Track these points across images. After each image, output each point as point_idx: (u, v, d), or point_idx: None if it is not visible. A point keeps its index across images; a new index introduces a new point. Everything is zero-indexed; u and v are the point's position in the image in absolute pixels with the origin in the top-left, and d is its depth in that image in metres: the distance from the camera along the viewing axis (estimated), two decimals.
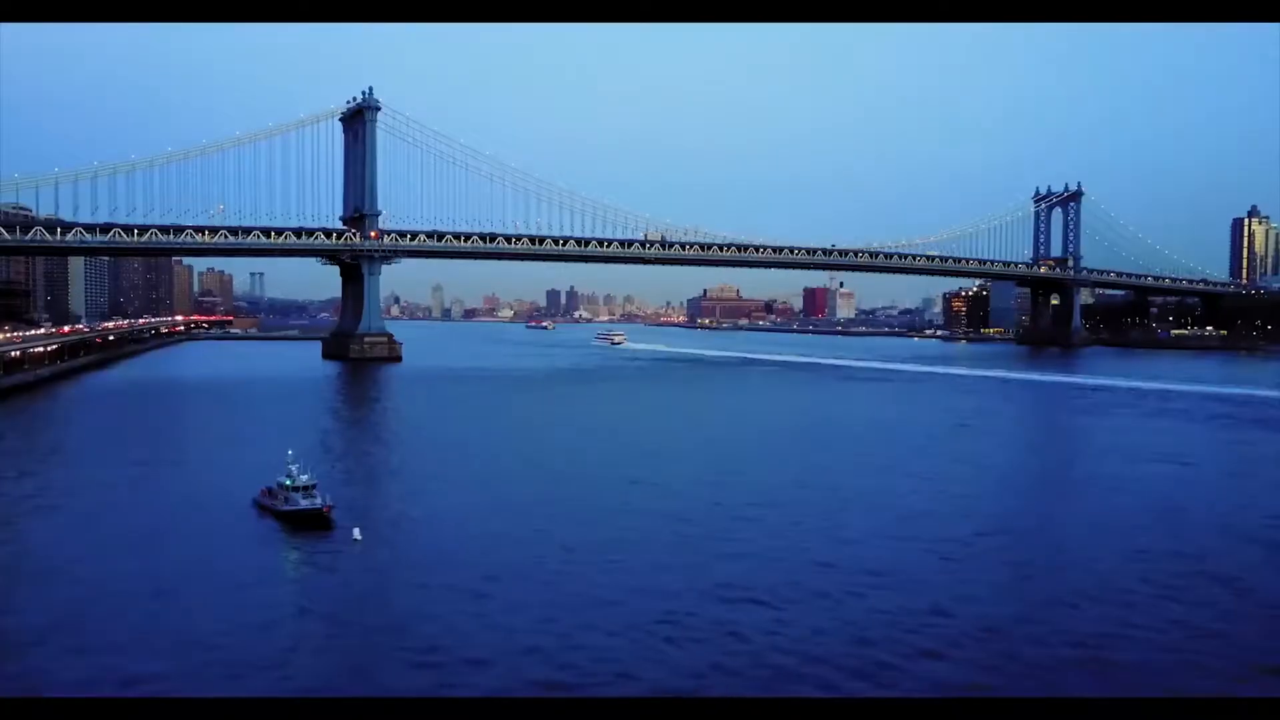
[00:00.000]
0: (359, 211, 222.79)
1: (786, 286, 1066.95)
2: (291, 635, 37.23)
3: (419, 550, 50.88)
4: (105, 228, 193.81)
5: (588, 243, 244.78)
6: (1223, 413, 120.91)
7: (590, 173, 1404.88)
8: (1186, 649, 35.53)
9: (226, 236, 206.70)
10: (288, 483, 56.04)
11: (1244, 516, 59.54)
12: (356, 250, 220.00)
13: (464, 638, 36.51)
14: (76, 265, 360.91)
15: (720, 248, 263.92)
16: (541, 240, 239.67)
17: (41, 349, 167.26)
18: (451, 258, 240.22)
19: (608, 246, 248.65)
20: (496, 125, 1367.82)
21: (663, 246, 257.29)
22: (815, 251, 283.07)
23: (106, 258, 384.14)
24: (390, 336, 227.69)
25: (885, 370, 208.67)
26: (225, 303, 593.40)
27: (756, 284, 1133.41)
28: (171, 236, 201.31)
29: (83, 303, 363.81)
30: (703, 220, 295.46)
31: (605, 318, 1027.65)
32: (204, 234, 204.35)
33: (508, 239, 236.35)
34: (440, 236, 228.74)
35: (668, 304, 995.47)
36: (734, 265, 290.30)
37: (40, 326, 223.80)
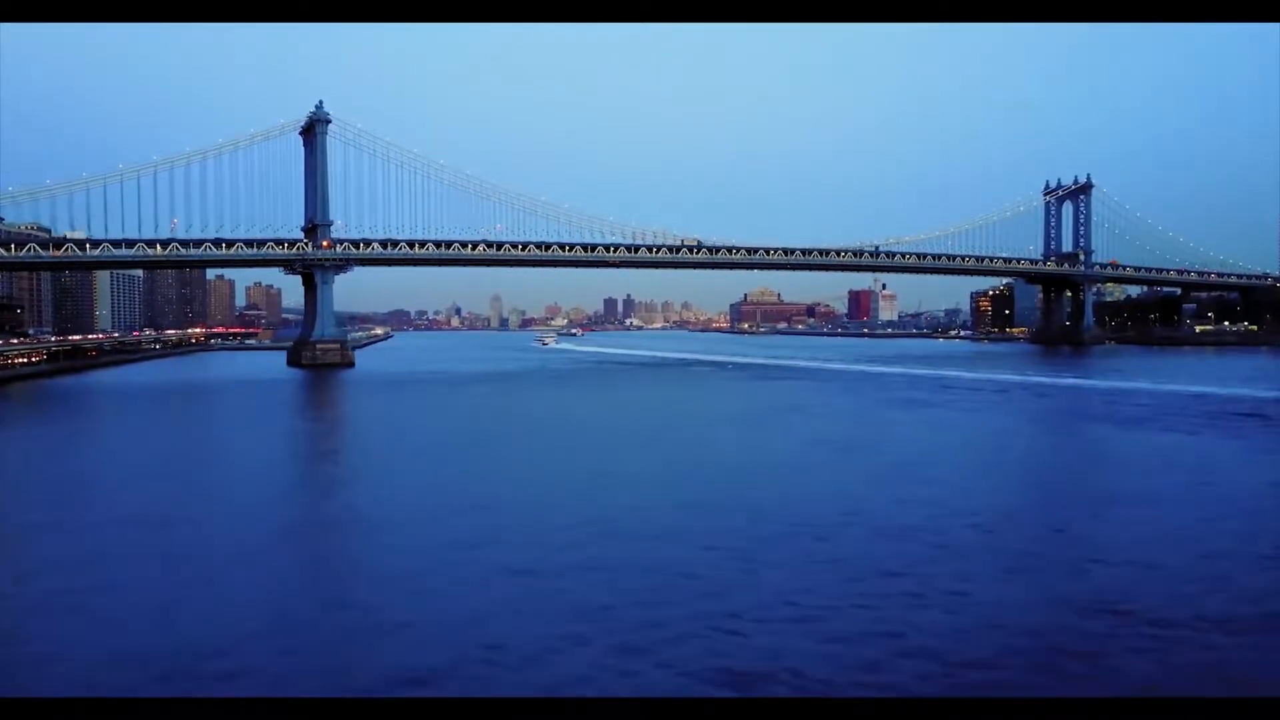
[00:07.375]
0: (312, 222, 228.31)
1: (831, 289, 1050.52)
2: None
3: None
4: (59, 243, 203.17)
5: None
6: (1099, 410, 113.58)
7: (583, 184, 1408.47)
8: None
9: (178, 249, 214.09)
10: None
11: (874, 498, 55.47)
12: (308, 260, 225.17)
13: None
14: (103, 281, 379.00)
15: (701, 249, 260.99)
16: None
17: None
18: (405, 265, 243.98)
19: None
20: (501, 139, 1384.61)
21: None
22: (793, 252, 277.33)
23: (140, 271, 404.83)
24: (343, 344, 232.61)
25: (829, 370, 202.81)
26: (272, 315, 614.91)
27: (800, 288, 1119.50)
28: (124, 250, 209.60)
29: (109, 318, 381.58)
30: (673, 226, 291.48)
31: (659, 324, 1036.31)
32: (156, 247, 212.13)
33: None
34: (394, 244, 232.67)
35: (731, 308, 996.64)
36: (720, 268, 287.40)
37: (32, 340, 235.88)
